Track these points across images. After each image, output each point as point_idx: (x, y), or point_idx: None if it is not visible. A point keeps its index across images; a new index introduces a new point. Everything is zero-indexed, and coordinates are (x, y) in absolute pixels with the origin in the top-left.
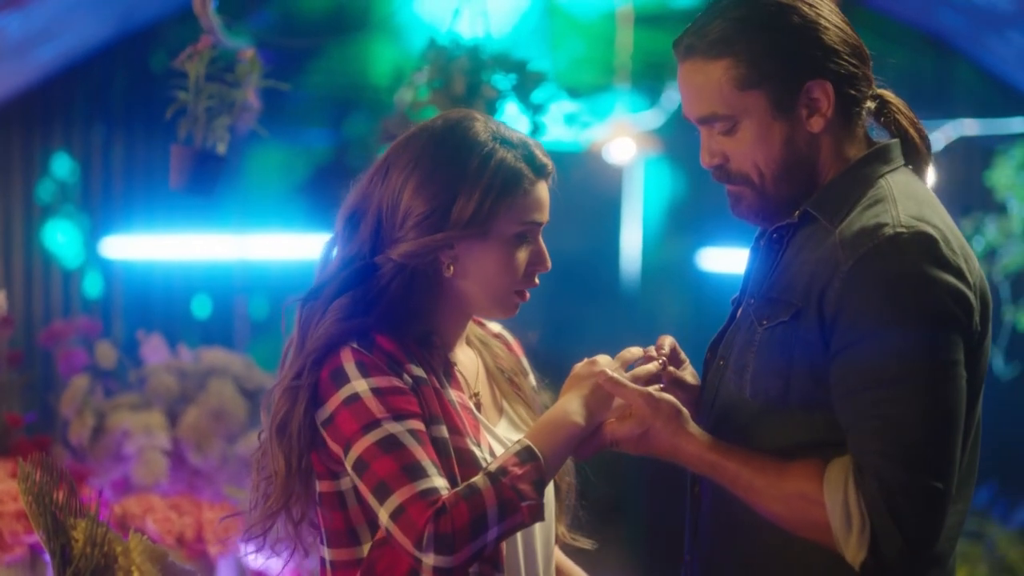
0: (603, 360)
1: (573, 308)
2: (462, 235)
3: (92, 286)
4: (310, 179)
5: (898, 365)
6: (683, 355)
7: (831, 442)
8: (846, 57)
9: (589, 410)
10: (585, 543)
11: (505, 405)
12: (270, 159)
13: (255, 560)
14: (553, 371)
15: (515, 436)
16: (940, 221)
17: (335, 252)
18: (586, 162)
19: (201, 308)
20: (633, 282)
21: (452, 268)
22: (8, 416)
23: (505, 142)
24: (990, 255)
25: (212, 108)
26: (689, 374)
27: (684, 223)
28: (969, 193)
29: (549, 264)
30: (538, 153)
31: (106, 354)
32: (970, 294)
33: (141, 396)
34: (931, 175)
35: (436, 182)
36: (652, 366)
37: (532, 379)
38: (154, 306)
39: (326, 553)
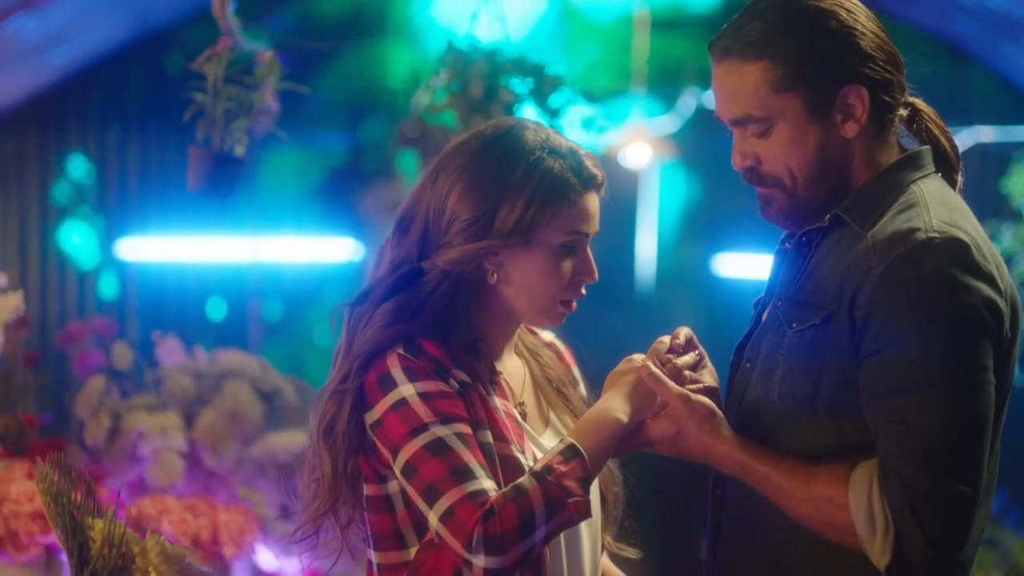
0: (639, 359)
1: (588, 313)
2: (505, 243)
3: (107, 287)
4: (325, 182)
5: (927, 369)
6: (701, 349)
7: (859, 446)
8: (882, 64)
9: (632, 406)
10: (631, 552)
11: (552, 415)
12: (285, 162)
13: (270, 561)
14: None
15: None
16: (971, 228)
17: (386, 256)
18: (602, 167)
19: (216, 310)
20: (648, 287)
21: (496, 275)
22: (24, 417)
23: (553, 152)
24: (1006, 262)
25: (230, 110)
26: (708, 374)
27: (700, 228)
28: (985, 200)
29: (596, 275)
30: (588, 163)
31: (122, 355)
32: (1001, 301)
33: (157, 397)
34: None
35: (481, 189)
36: (688, 357)
37: (582, 389)
38: (169, 308)
39: (373, 556)
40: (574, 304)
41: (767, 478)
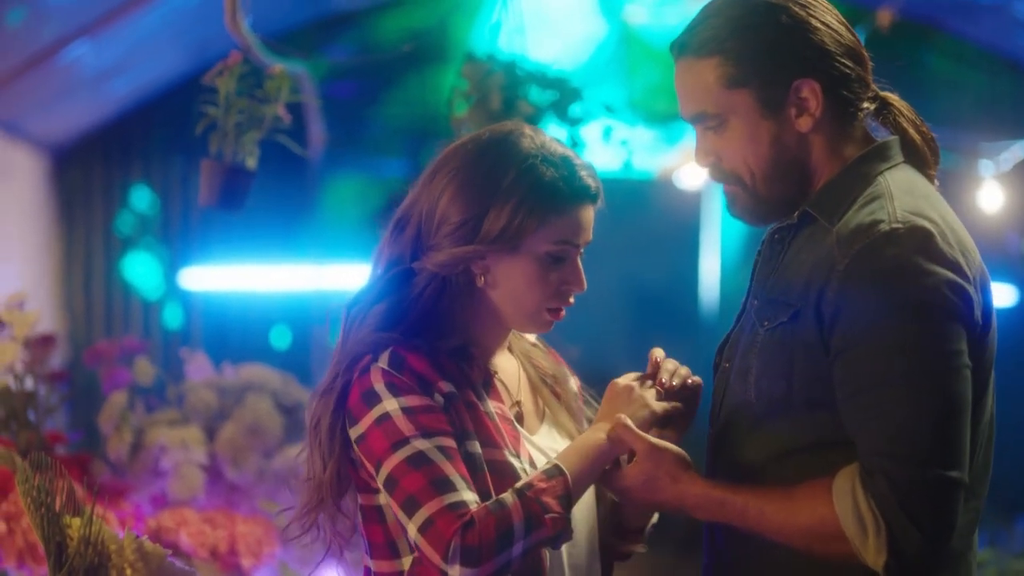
0: (622, 383)
1: (654, 335)
2: (491, 248)
3: (172, 317)
4: (386, 209)
5: (899, 360)
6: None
7: (837, 441)
8: (839, 59)
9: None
10: (640, 548)
11: (548, 412)
12: (347, 189)
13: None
14: None
15: (556, 443)
16: (938, 216)
17: (382, 256)
18: (660, 189)
19: (280, 338)
20: (713, 308)
21: (484, 279)
22: (48, 433)
23: (547, 160)
24: None
25: (241, 123)
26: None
27: None
28: None
29: (584, 285)
30: (582, 174)
31: (144, 371)
32: (969, 287)
33: (180, 412)
34: (998, 194)
35: (472, 193)
36: (684, 370)
37: (574, 384)
38: (233, 337)
39: (370, 564)
40: (562, 312)
41: (746, 507)
